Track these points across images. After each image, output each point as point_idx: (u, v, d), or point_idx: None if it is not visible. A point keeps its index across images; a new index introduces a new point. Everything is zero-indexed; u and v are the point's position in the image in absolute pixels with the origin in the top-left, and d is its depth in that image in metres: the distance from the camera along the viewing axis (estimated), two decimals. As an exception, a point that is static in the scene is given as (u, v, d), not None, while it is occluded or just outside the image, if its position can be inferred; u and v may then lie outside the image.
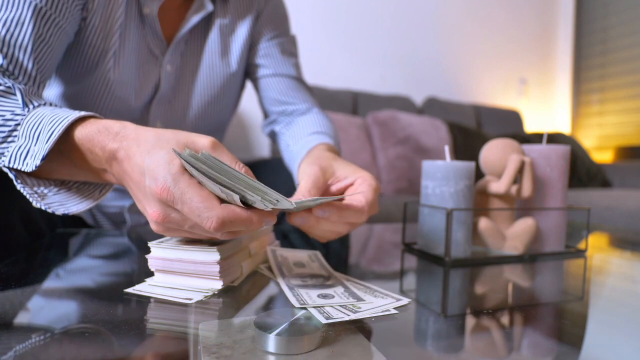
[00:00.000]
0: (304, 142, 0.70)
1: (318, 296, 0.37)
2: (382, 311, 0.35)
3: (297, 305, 0.35)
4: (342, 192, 0.50)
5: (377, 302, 0.37)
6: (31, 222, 0.64)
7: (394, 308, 0.36)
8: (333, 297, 0.37)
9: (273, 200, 0.34)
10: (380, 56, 2.48)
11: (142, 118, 0.73)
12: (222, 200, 0.35)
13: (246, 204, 0.35)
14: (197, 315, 0.34)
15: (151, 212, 0.36)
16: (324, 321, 0.31)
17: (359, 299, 0.37)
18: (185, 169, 0.34)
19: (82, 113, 0.44)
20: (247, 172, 0.37)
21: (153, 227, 0.38)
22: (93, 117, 0.45)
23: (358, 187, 0.48)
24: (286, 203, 0.35)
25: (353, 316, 0.33)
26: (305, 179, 0.48)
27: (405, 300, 0.38)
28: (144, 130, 0.39)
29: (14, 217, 0.61)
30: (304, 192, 0.46)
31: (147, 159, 0.36)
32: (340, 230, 0.46)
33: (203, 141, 0.38)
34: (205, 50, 0.76)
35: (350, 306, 0.35)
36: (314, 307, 0.34)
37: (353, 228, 0.48)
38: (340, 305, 0.35)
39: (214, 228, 0.33)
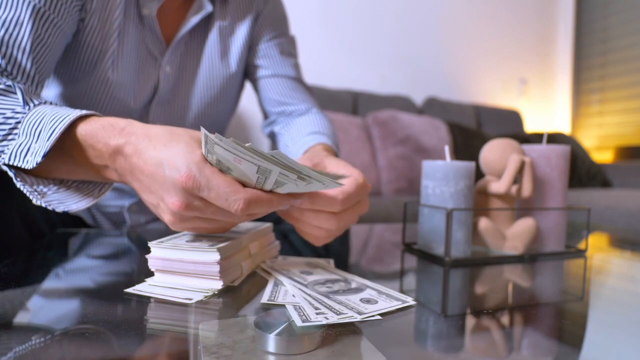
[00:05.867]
0: (301, 143, 0.71)
1: (361, 300, 0.36)
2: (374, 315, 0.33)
3: (265, 300, 0.36)
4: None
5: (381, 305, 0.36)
6: (31, 222, 0.64)
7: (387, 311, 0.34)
8: (377, 302, 0.36)
9: (311, 178, 0.36)
10: (380, 56, 2.48)
11: (141, 119, 0.73)
12: (243, 185, 0.37)
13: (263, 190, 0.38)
14: (197, 315, 0.34)
15: (172, 201, 0.37)
16: (299, 324, 0.30)
17: (399, 299, 0.37)
18: (206, 159, 0.37)
19: (84, 112, 0.45)
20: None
21: (168, 218, 0.38)
22: (95, 115, 0.46)
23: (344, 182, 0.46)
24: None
25: (336, 319, 0.31)
26: None
27: (409, 301, 0.37)
28: (153, 127, 0.41)
29: (13, 217, 0.61)
30: None
31: (164, 151, 0.38)
32: (326, 226, 0.44)
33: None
34: (204, 52, 0.75)
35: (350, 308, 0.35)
36: (289, 304, 0.34)
37: (339, 225, 0.45)
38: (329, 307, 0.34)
39: (242, 209, 0.36)
